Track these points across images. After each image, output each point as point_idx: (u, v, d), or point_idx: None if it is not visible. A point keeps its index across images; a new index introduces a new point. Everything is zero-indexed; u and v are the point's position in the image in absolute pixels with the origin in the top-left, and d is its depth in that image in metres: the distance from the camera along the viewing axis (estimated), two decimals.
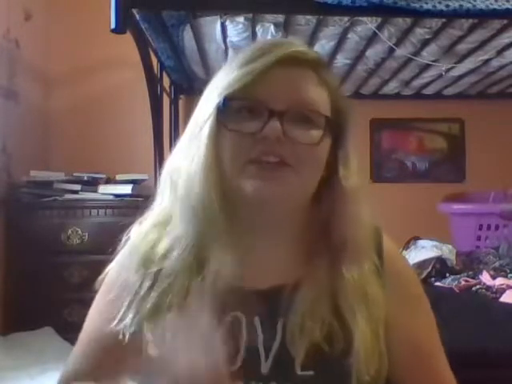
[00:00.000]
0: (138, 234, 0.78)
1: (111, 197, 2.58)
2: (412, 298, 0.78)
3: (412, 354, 0.75)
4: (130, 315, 0.72)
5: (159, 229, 0.76)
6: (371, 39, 2.14)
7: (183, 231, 0.72)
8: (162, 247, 0.74)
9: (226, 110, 0.69)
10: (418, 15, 1.70)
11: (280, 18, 1.97)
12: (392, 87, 3.06)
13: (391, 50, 2.27)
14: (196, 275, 0.70)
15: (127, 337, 0.71)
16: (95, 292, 0.83)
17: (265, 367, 0.70)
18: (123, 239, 0.79)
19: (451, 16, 1.69)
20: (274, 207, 0.71)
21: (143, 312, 0.71)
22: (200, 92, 0.78)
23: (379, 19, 1.92)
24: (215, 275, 0.69)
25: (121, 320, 0.72)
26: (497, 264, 1.90)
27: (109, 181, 2.73)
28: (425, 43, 2.16)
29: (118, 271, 0.77)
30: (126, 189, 2.56)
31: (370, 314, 0.71)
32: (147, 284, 0.72)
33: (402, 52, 2.24)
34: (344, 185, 0.73)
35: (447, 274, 1.82)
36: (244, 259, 0.72)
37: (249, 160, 0.68)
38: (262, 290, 0.71)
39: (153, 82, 2.28)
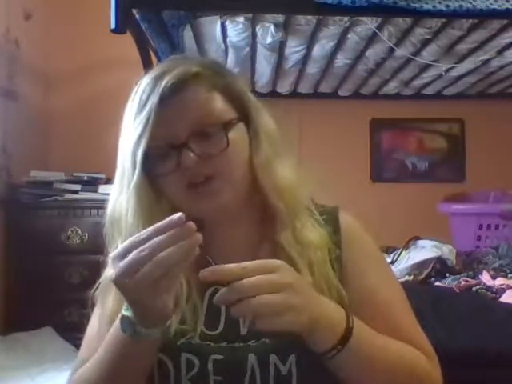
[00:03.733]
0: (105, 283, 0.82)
1: None
2: (367, 258, 0.87)
3: (366, 303, 0.81)
4: None
5: None
6: (371, 39, 2.14)
7: None
8: None
9: (144, 163, 0.77)
10: (418, 15, 1.70)
11: (280, 18, 1.97)
12: (392, 87, 3.06)
13: (391, 50, 2.27)
14: None
15: None
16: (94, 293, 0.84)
17: (243, 330, 0.79)
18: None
19: (451, 16, 1.69)
20: (223, 213, 0.81)
21: None
22: None
23: (379, 19, 1.92)
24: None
25: None
26: (497, 264, 1.90)
27: (109, 181, 2.73)
28: (425, 43, 2.16)
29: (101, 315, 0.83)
30: None
31: (317, 258, 0.80)
32: None
33: (401, 52, 2.24)
34: (255, 161, 0.81)
35: (447, 274, 1.82)
36: (212, 250, 0.80)
37: (184, 190, 0.77)
38: None
39: None
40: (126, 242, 0.65)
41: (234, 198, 0.80)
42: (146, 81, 0.80)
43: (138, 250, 0.63)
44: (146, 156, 0.77)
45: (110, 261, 0.66)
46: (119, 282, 0.64)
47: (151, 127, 0.75)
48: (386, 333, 0.77)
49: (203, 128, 0.78)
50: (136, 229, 0.76)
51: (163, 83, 0.76)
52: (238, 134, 0.80)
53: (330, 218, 0.87)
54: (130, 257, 0.63)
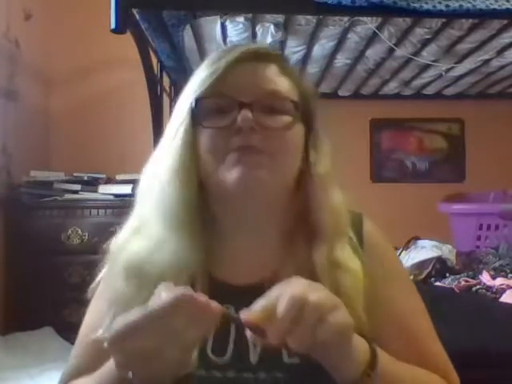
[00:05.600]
0: (118, 245, 0.78)
1: (111, 197, 2.58)
2: (394, 277, 0.81)
3: (398, 331, 0.76)
4: None
5: (137, 236, 0.76)
6: (371, 39, 2.14)
7: (164, 235, 0.73)
8: (144, 253, 0.73)
9: (199, 110, 0.73)
10: (418, 15, 1.70)
11: (280, 18, 1.97)
12: (392, 87, 3.06)
13: (391, 50, 2.27)
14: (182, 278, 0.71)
15: None
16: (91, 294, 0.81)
17: (253, 357, 0.72)
18: (105, 252, 0.78)
19: (451, 16, 1.69)
20: (255, 195, 0.73)
21: None
22: None
23: (379, 19, 1.93)
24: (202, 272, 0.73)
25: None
26: (497, 264, 1.90)
27: (109, 181, 2.73)
28: (425, 43, 2.16)
29: (107, 283, 0.78)
30: (126, 189, 2.55)
31: (349, 284, 0.72)
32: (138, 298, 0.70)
33: (401, 52, 2.24)
34: (315, 170, 0.76)
35: (447, 274, 1.83)
36: (228, 258, 0.76)
37: (227, 151, 0.71)
38: (248, 284, 0.73)
39: (153, 82, 2.27)
40: (132, 317, 0.56)
41: (272, 188, 0.73)
42: (226, 47, 0.80)
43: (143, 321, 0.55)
44: (202, 105, 0.73)
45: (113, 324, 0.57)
46: (113, 345, 0.56)
47: (217, 79, 0.72)
48: (407, 348, 0.74)
49: (270, 101, 0.73)
50: (167, 184, 0.73)
51: (238, 49, 0.75)
52: (298, 128, 0.76)
53: (354, 224, 0.82)
54: (133, 323, 0.55)
